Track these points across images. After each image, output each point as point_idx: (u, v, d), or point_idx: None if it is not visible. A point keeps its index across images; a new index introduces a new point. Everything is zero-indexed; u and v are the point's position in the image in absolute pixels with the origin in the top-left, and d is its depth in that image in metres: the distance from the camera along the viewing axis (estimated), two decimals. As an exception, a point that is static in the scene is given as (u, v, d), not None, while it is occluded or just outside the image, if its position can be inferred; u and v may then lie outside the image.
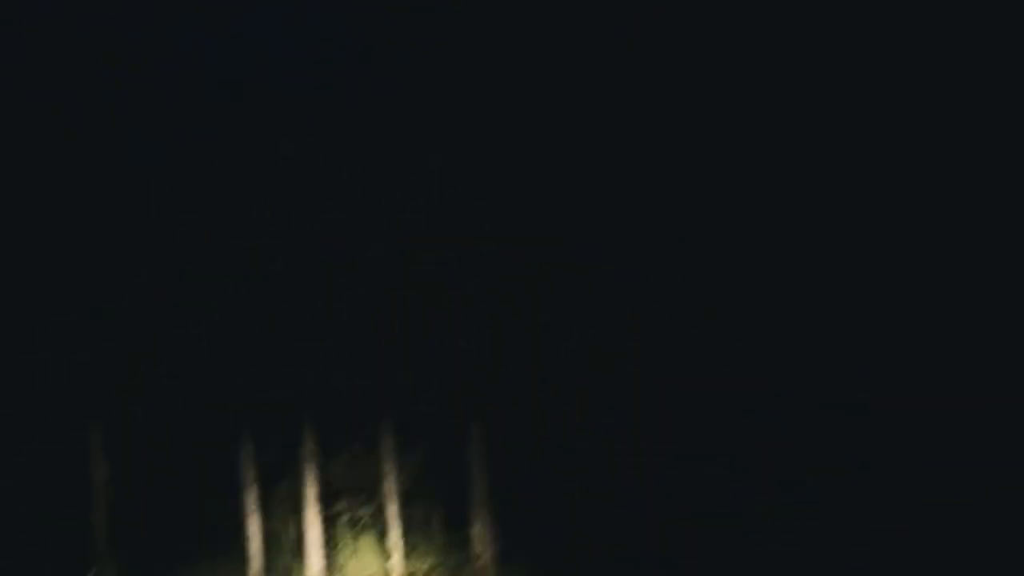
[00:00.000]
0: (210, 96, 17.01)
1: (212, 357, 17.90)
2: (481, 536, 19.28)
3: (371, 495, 19.18)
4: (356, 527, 18.92)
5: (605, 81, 19.61)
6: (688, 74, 19.77)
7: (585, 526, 16.95)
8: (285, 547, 18.58)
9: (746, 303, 22.88)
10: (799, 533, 16.94)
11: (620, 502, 19.94)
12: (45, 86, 16.04)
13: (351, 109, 18.37)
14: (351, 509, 18.99)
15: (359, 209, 18.77)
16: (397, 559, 18.72)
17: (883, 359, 21.50)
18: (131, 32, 16.22)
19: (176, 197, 17.18)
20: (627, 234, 21.69)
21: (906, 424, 20.96)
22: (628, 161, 20.82)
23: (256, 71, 17.25)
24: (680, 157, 20.88)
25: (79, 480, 17.16)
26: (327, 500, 18.93)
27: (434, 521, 19.34)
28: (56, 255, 16.74)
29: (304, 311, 19.42)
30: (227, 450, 18.35)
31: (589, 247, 21.18)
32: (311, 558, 18.56)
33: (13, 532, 16.34)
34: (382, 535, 18.91)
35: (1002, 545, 15.65)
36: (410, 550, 18.95)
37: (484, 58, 19.07)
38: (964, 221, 19.68)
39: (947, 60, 18.75)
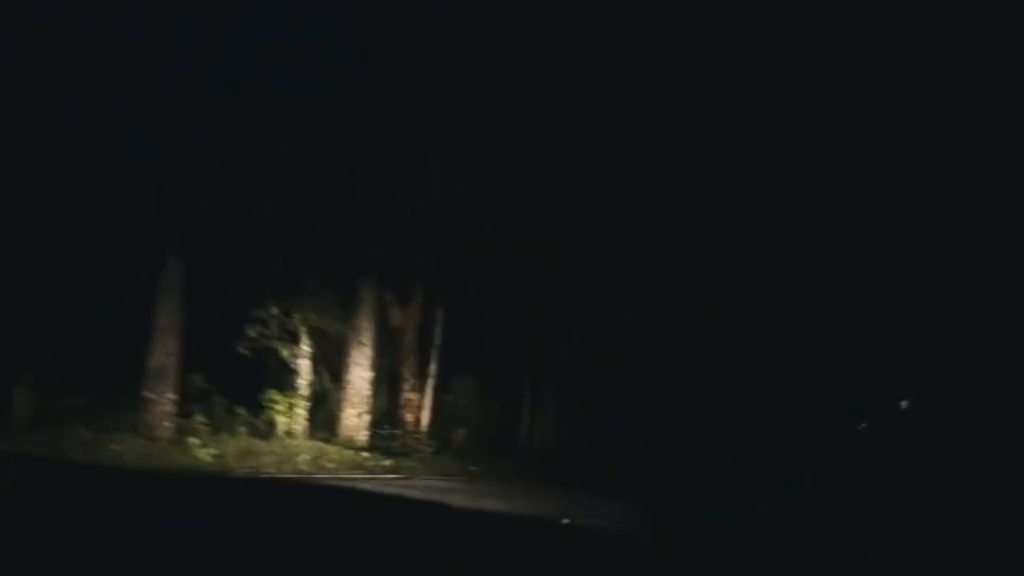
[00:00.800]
0: (210, 96, 16.98)
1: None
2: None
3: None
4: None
5: (605, 82, 19.60)
6: (688, 75, 19.76)
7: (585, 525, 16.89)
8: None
9: (746, 303, 22.88)
10: (799, 533, 16.95)
11: (620, 502, 19.95)
12: (45, 86, 16.02)
13: (351, 109, 18.34)
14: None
15: (359, 209, 18.76)
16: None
17: (883, 359, 21.49)
18: (131, 32, 16.20)
19: (176, 197, 17.16)
20: (627, 234, 21.69)
21: (906, 424, 20.95)
22: (628, 162, 20.81)
23: (256, 71, 17.22)
24: (680, 158, 20.87)
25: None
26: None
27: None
28: (56, 254, 16.72)
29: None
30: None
31: (589, 247, 21.20)
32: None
33: None
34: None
35: (1002, 545, 15.64)
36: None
37: (484, 58, 19.06)
38: (963, 223, 19.67)
39: (943, 67, 18.76)
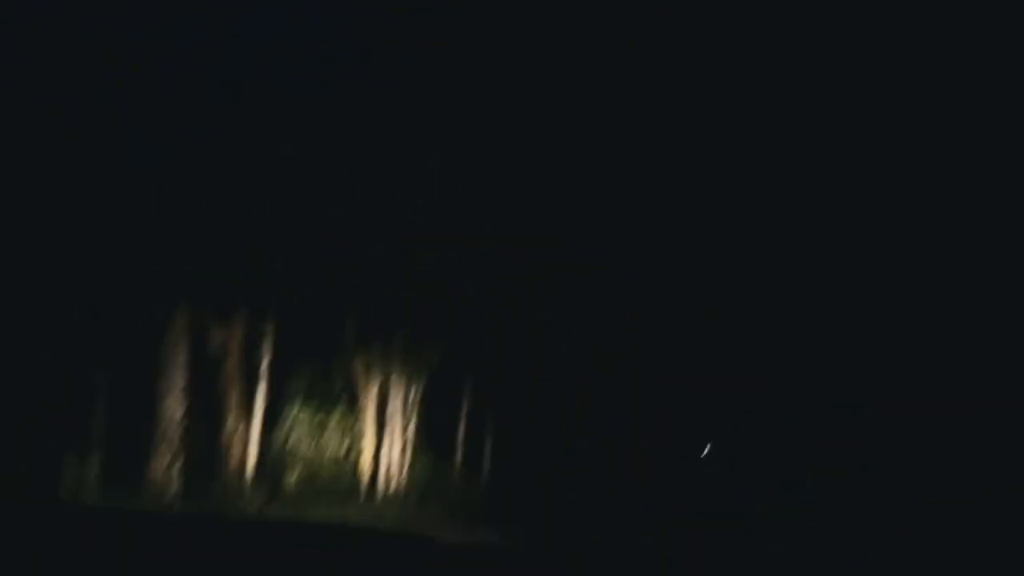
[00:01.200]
0: (210, 96, 16.99)
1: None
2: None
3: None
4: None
5: (605, 81, 19.60)
6: (688, 75, 19.76)
7: (585, 526, 16.95)
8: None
9: (746, 304, 22.88)
10: (799, 533, 16.97)
11: (620, 502, 19.98)
12: (45, 86, 16.02)
13: (351, 109, 18.34)
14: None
15: (359, 209, 18.74)
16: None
17: (883, 359, 21.48)
18: (131, 32, 16.21)
19: (176, 197, 17.15)
20: (627, 234, 21.68)
21: (906, 424, 20.95)
22: (628, 161, 20.80)
23: (256, 71, 17.23)
24: (679, 157, 20.86)
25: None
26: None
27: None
28: (56, 254, 16.72)
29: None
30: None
31: (589, 247, 21.19)
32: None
33: None
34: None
35: (1002, 545, 15.66)
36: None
37: (483, 58, 19.06)
38: (964, 224, 19.67)
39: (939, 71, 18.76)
